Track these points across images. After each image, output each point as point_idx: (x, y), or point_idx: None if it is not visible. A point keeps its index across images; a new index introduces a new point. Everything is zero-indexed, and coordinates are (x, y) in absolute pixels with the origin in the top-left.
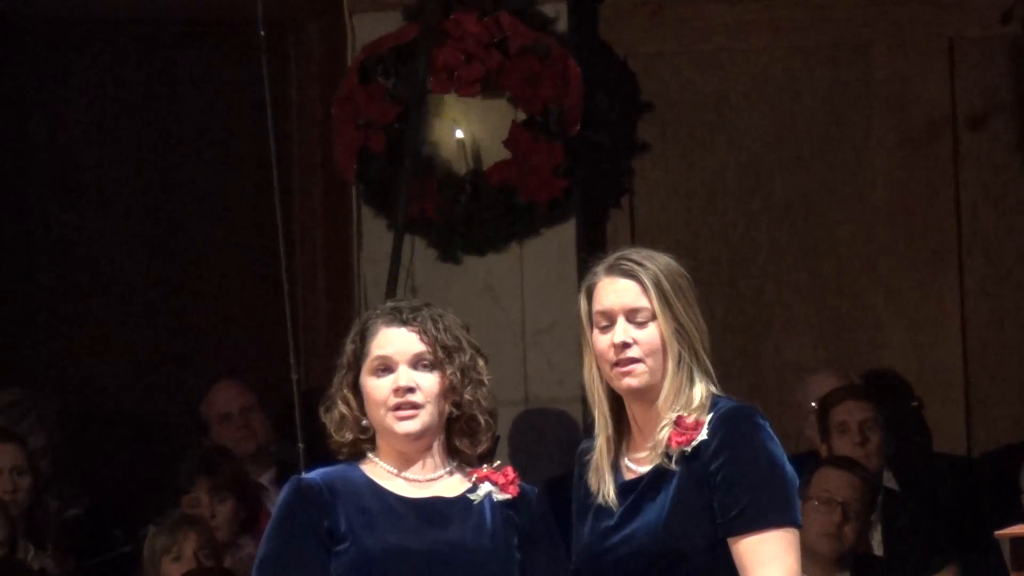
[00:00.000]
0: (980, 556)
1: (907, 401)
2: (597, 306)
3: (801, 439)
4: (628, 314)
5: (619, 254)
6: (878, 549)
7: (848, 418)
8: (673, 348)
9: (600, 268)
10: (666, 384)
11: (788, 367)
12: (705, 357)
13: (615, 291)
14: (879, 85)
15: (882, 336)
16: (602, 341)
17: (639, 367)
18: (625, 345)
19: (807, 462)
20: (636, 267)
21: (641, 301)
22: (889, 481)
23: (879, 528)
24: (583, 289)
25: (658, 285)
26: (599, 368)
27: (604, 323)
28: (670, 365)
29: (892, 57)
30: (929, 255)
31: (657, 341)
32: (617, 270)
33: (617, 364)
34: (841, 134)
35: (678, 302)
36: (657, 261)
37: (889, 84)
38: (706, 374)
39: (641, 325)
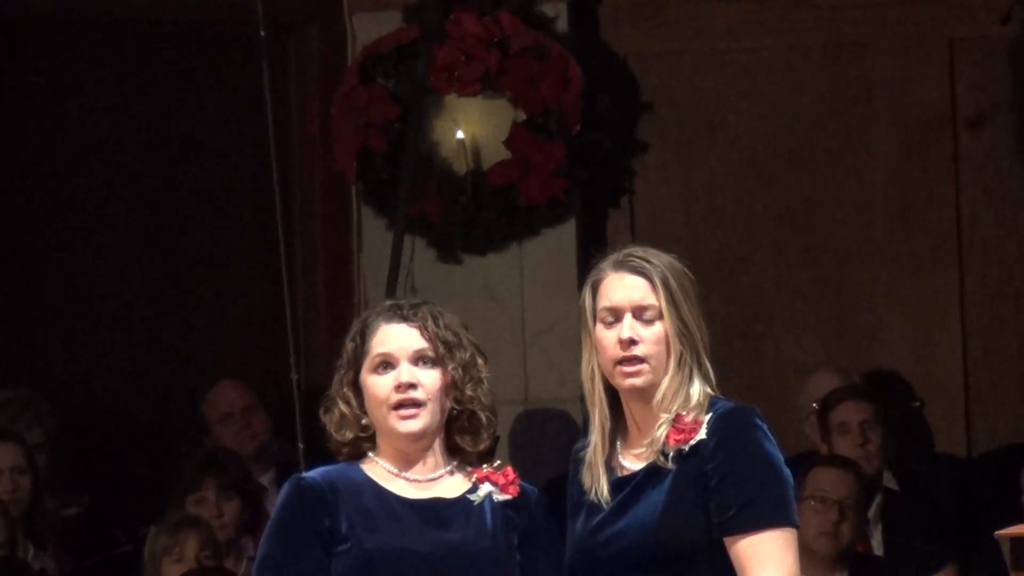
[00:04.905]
0: (980, 556)
1: (907, 401)
2: (604, 301)
3: (801, 439)
4: (636, 311)
5: (626, 251)
6: (878, 549)
7: (848, 418)
8: (676, 348)
9: (606, 264)
10: (665, 382)
11: (788, 367)
12: (705, 359)
13: (624, 287)
14: (879, 85)
15: (882, 336)
16: (607, 337)
17: (644, 367)
18: (632, 342)
19: (807, 462)
20: (646, 264)
21: (650, 299)
22: (889, 481)
23: (879, 528)
24: (588, 284)
25: (666, 284)
26: (599, 363)
27: (610, 319)
28: (671, 364)
29: (892, 57)
30: (929, 255)
31: (662, 340)
32: (626, 266)
33: (621, 363)
34: (841, 134)
35: (684, 302)
36: (663, 260)
37: (889, 84)
38: (704, 376)
39: (648, 323)
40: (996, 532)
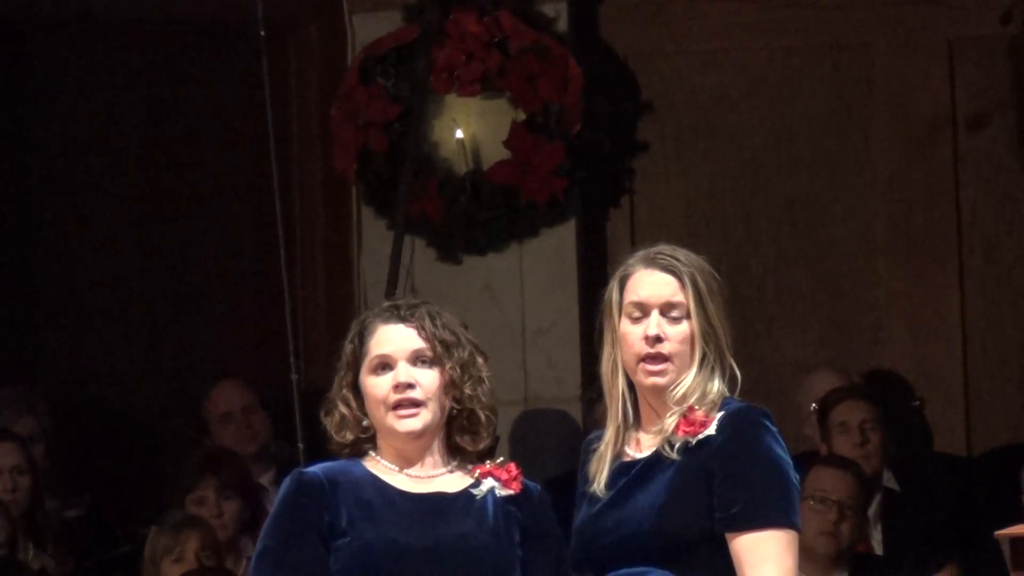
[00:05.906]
0: (980, 556)
1: (907, 401)
2: (632, 296)
3: (801, 439)
4: (664, 308)
5: (656, 249)
6: (878, 549)
7: (848, 418)
8: (700, 347)
9: (636, 260)
10: (687, 381)
11: (788, 367)
12: (729, 358)
13: (653, 283)
14: (879, 85)
15: (882, 336)
16: (632, 332)
17: (667, 366)
18: (658, 339)
19: (807, 462)
20: (676, 263)
21: (678, 297)
22: (889, 481)
23: (879, 528)
24: (616, 278)
25: (695, 283)
26: (621, 358)
27: (637, 314)
28: (695, 364)
29: (892, 57)
30: (929, 255)
31: (687, 339)
32: (656, 263)
33: (645, 360)
34: (841, 134)
35: (711, 302)
36: (692, 259)
37: (889, 84)
38: (728, 376)
39: (675, 321)
40: (996, 532)
